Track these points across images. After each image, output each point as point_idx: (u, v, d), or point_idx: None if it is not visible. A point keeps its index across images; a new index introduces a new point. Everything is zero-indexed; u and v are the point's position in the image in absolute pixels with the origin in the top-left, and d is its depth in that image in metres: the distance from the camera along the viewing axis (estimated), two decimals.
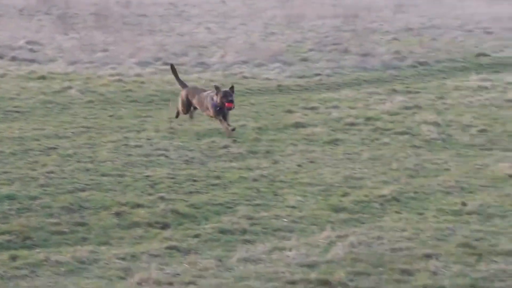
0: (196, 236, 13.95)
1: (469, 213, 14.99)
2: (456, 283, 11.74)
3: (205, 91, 27.48)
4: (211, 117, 25.99)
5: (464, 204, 15.65)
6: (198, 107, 26.08)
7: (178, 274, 11.82)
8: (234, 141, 21.90)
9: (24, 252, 12.53)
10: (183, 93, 27.02)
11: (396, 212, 15.23)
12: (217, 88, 24.92)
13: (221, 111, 24.63)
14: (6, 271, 11.79)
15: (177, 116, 27.20)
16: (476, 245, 13.14)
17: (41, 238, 13.49)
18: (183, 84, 27.25)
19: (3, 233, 13.54)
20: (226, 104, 23.77)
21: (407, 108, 25.64)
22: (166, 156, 19.66)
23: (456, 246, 13.07)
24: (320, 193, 16.37)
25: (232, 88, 25.17)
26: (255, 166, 18.35)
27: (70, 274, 11.93)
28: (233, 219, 14.81)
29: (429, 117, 24.31)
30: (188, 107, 26.28)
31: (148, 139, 21.80)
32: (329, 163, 18.80)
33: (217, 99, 25.13)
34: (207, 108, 25.45)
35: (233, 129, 25.13)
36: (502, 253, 12.72)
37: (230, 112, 26.12)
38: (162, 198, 16.21)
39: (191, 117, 27.03)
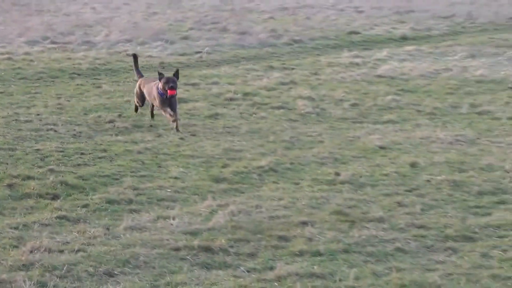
0: (85, 206, 14.02)
1: (342, 183, 15.19)
2: (330, 248, 11.95)
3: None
4: (159, 108, 21.96)
5: (337, 174, 15.89)
6: (148, 98, 22.04)
7: (68, 242, 11.85)
8: (119, 116, 21.71)
9: None
10: (137, 83, 23.55)
11: (274, 182, 15.39)
12: (160, 74, 21.18)
13: (167, 101, 20.90)
14: None
15: (136, 110, 23.75)
16: (349, 212, 13.38)
17: None
18: (139, 74, 23.56)
19: None
20: (169, 91, 20.25)
21: (283, 83, 25.73)
22: (55, 131, 19.52)
23: (330, 213, 13.32)
24: (201, 165, 16.49)
25: (176, 73, 21.27)
26: (140, 140, 18.39)
27: None
28: (120, 189, 14.90)
29: (303, 92, 24.44)
30: (141, 98, 22.57)
31: (38, 115, 21.70)
32: (209, 136, 18.94)
33: (160, 86, 21.35)
34: (155, 99, 21.51)
35: (177, 128, 21.31)
36: (373, 220, 12.98)
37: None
38: (51, 171, 16.18)
39: (152, 115, 22.71)
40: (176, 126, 20.41)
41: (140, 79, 22.26)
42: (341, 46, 34.12)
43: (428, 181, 15.34)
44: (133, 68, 22.22)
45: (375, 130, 19.30)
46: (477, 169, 15.85)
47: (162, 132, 20.28)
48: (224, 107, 22.53)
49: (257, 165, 16.83)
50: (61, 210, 13.79)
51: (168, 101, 20.09)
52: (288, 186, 15.41)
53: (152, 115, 22.53)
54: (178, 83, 20.61)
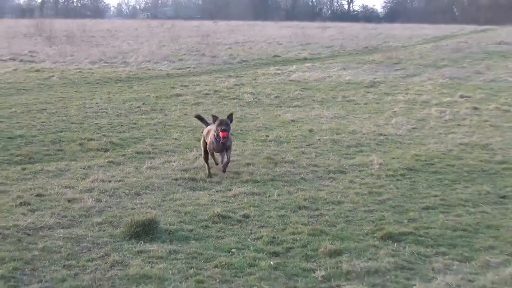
0: (123, 155, 14.26)
1: (270, 141, 15.07)
2: (263, 178, 12.57)
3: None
4: (213, 152, 14.06)
5: (267, 136, 15.85)
6: (208, 146, 13.77)
7: (113, 176, 12.04)
8: (143, 104, 21.17)
9: (29, 166, 12.43)
10: (204, 131, 14.51)
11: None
12: (214, 117, 13.86)
13: (220, 145, 13.43)
14: (19, 176, 11.59)
15: (206, 164, 13.76)
16: (274, 157, 13.56)
17: (38, 158, 13.30)
18: (206, 123, 14.96)
19: (17, 156, 13.29)
20: (220, 133, 13.35)
21: (236, 85, 25.40)
22: (106, 113, 19.13)
23: (263, 158, 13.47)
24: (190, 131, 16.27)
25: (230, 115, 13.95)
26: (155, 117, 17.99)
27: (55, 177, 11.88)
28: (143, 146, 14.80)
29: (248, 90, 24.14)
30: (205, 147, 13.88)
31: (96, 104, 21.09)
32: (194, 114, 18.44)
33: (214, 129, 13.73)
34: (212, 143, 13.58)
35: (224, 169, 13.53)
36: (288, 162, 13.26)
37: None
38: (104, 135, 15.87)
39: (209, 172, 13.49)
40: (224, 169, 13.32)
41: (206, 127, 14.07)
42: (269, 63, 33.93)
43: (319, 139, 15.40)
44: (201, 122, 14.75)
45: (288, 111, 19.22)
46: (346, 132, 15.92)
47: (167, 112, 19.77)
48: (203, 99, 22.11)
49: None
50: (110, 158, 13.71)
51: (222, 145, 13.15)
52: (240, 143, 15.20)
53: (210, 172, 13.28)
54: (231, 125, 13.62)
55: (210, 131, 13.40)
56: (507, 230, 9.67)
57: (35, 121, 17.58)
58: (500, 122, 18.15)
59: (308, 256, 8.51)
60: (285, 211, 10.45)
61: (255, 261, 8.38)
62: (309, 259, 8.40)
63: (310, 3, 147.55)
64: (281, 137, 16.11)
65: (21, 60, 35.89)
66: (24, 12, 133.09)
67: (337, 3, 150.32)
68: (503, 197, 11.26)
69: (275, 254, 8.52)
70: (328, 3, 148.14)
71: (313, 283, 7.64)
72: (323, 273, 7.88)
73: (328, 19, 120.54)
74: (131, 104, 20.95)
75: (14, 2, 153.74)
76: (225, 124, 13.02)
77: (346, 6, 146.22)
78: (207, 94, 23.75)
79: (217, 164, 13.64)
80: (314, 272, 7.89)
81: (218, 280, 7.83)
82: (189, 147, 14.91)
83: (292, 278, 7.84)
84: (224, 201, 10.91)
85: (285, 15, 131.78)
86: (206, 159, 13.41)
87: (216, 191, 11.65)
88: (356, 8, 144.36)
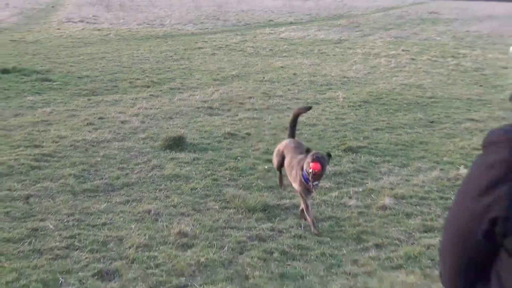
0: (160, 90, 14.27)
1: (265, 81, 15.08)
2: (261, 107, 12.48)
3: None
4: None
5: (263, 77, 15.71)
6: (286, 169, 7.11)
7: (153, 105, 12.19)
8: (175, 54, 21.05)
9: (93, 97, 12.49)
10: (282, 143, 7.54)
11: (238, 81, 15.41)
12: (308, 150, 6.60)
13: (309, 190, 6.54)
14: (85, 105, 11.55)
15: (280, 183, 7.66)
16: (268, 93, 13.90)
17: (99, 92, 13.26)
18: (291, 134, 7.73)
19: (84, 90, 13.30)
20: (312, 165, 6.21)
21: (241, 41, 25.21)
22: (148, 60, 19.03)
23: (260, 93, 13.71)
24: (209, 74, 16.30)
25: (328, 154, 6.71)
26: (183, 63, 17.77)
27: (112, 105, 11.96)
28: (174, 84, 14.85)
29: (250, 45, 24.01)
30: (279, 163, 7.33)
31: (142, 54, 20.89)
32: (210, 62, 18.41)
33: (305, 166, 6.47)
34: (295, 178, 6.68)
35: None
36: (278, 96, 13.26)
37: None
38: (149, 76, 15.70)
39: (280, 185, 7.72)
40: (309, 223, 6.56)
41: (288, 140, 7.56)
42: (265, 26, 33.17)
43: (301, 80, 15.30)
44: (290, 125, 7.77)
45: (279, 60, 19.02)
46: (320, 75, 15.90)
47: (192, 61, 19.47)
48: (217, 51, 21.96)
49: (231, 74, 16.43)
50: (151, 92, 13.43)
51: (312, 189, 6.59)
52: (244, 82, 15.08)
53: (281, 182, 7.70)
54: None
55: (296, 160, 6.77)
56: (433, 145, 9.89)
57: (97, 66, 17.47)
58: (430, 69, 18.20)
59: None
60: (275, 131, 10.47)
61: (254, 165, 8.54)
62: None
63: None
64: (273, 78, 15.99)
65: (87, 22, 35.69)
66: None
67: None
68: (431, 122, 11.44)
69: (268, 160, 8.53)
70: None
71: None
72: None
73: None
74: (166, 54, 20.77)
75: None
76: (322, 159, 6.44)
77: None
78: (220, 47, 23.48)
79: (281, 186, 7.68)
80: None
81: (228, 179, 7.97)
82: (208, 85, 14.82)
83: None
84: (232, 123, 10.94)
85: None
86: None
87: (227, 116, 11.61)
88: None
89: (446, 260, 2.21)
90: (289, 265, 5.57)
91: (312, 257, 5.73)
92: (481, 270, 2.09)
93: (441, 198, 7.34)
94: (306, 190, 6.41)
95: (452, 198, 7.19)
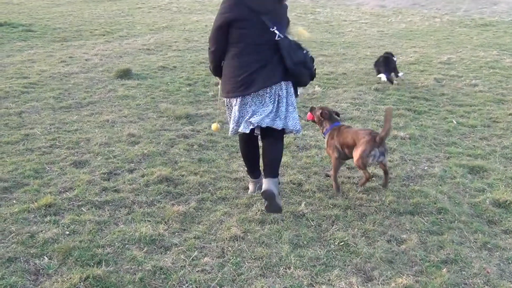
0: (113, 38, 13.07)
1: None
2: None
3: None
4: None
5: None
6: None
7: (108, 48, 11.15)
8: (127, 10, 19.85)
9: (65, 42, 12.08)
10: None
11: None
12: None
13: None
14: (59, 48, 10.89)
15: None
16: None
17: (69, 39, 12.67)
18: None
19: (58, 38, 12.63)
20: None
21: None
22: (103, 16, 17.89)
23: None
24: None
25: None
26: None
27: (78, 48, 11.55)
28: (128, 37, 13.77)
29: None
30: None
31: (98, 12, 19.55)
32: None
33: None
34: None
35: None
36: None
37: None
38: (102, 28, 14.92)
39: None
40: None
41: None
42: None
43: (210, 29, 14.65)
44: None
45: (195, 16, 18.24)
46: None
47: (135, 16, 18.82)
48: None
49: (162, 26, 15.59)
50: (106, 39, 12.93)
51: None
52: (171, 32, 14.41)
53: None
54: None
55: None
56: None
57: (66, 20, 16.49)
58: (296, 22, 17.98)
59: (205, 85, 8.45)
60: (194, 65, 10.26)
61: (180, 88, 8.39)
62: (206, 87, 8.34)
63: None
64: (191, 29, 15.55)
65: None
66: None
67: None
68: None
69: (189, 85, 8.43)
70: None
71: (209, 99, 7.63)
72: (212, 93, 7.87)
73: None
74: (116, 12, 19.84)
75: None
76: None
77: None
78: (154, 7, 22.47)
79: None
80: (208, 93, 7.87)
81: (161, 97, 7.86)
82: (146, 33, 14.28)
83: (197, 96, 7.80)
84: (164, 60, 10.68)
85: None
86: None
87: (160, 55, 11.21)
88: None
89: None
90: (204, 153, 5.59)
91: (219, 148, 5.77)
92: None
93: (304, 106, 7.42)
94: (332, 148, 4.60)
95: (310, 106, 7.35)
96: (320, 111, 4.73)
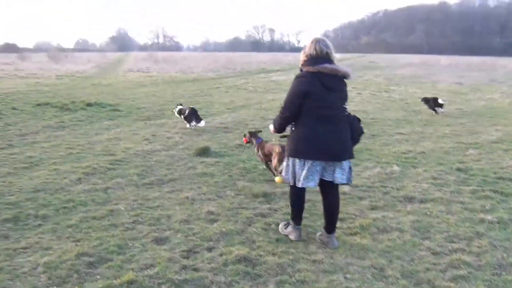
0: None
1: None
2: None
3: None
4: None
5: None
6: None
7: (186, 130, 11.44)
8: (201, 92, 20.85)
9: (148, 121, 12.46)
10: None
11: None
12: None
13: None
14: (142, 127, 11.39)
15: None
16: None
17: (152, 118, 13.23)
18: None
19: (142, 116, 13.21)
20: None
21: (245, 82, 24.63)
22: (183, 96, 18.75)
23: None
24: (223, 105, 15.82)
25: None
26: (208, 98, 17.46)
27: (160, 127, 11.91)
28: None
29: (251, 85, 23.49)
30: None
31: (179, 92, 20.58)
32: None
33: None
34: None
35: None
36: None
37: None
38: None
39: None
40: None
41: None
42: (260, 72, 32.55)
43: None
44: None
45: (270, 95, 18.61)
46: None
47: (213, 96, 19.66)
48: (233, 90, 21.52)
49: (238, 105, 16.18)
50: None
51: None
52: (247, 110, 14.87)
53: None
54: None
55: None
56: (375, 151, 9.80)
57: (150, 100, 17.53)
58: (371, 100, 18.03)
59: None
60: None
61: (256, 166, 8.45)
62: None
63: (280, 42, 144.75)
64: (267, 107, 15.86)
65: (142, 71, 35.73)
66: (143, 48, 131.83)
67: (292, 42, 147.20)
68: (373, 135, 11.37)
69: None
70: (289, 42, 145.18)
71: None
72: None
73: (288, 51, 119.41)
74: (195, 92, 20.84)
75: (137, 42, 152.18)
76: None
77: (296, 44, 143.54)
78: (230, 87, 23.44)
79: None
80: None
81: (239, 175, 7.93)
82: (223, 112, 14.78)
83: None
84: (241, 138, 10.84)
85: (267, 48, 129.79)
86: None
87: (237, 133, 11.55)
88: (301, 45, 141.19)
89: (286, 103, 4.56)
90: (286, 235, 5.52)
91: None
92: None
93: (382, 186, 7.28)
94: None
95: (389, 186, 7.18)
96: (249, 135, 8.04)
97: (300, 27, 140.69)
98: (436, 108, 14.48)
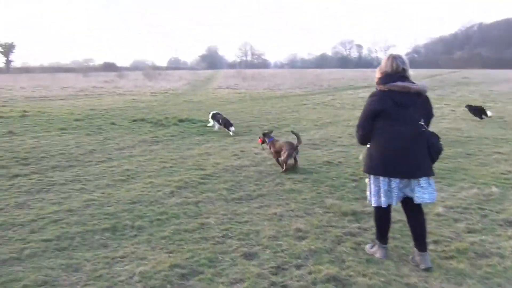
0: (280, 133, 13.58)
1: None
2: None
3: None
4: None
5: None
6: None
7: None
8: (288, 108, 20.96)
9: (237, 137, 12.61)
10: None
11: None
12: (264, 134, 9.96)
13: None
14: (232, 142, 11.64)
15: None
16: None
17: (240, 134, 13.47)
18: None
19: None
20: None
21: (332, 99, 24.41)
22: (270, 112, 18.96)
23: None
24: (311, 122, 15.74)
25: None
26: (294, 115, 17.49)
27: (249, 142, 12.14)
28: (289, 128, 14.32)
29: (337, 101, 23.28)
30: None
31: (266, 108, 20.80)
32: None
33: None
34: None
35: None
36: None
37: None
38: (270, 123, 15.75)
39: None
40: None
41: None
42: (347, 89, 32.22)
43: None
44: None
45: (358, 111, 18.32)
46: None
47: (300, 113, 19.75)
48: (317, 106, 21.44)
49: (326, 121, 16.12)
50: (274, 134, 13.46)
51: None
52: (335, 127, 14.90)
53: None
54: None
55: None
56: (471, 171, 9.32)
57: (238, 116, 17.84)
58: (466, 117, 17.27)
59: None
60: (358, 160, 10.20)
61: (345, 184, 8.38)
62: None
63: (368, 58, 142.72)
64: (355, 124, 15.68)
65: (231, 88, 36.64)
66: (231, 65, 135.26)
67: (380, 58, 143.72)
68: (469, 154, 10.84)
69: (355, 180, 8.37)
70: (377, 58, 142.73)
71: None
72: None
73: (376, 67, 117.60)
74: (282, 109, 21.00)
75: (226, 60, 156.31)
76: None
77: None
78: (318, 104, 23.41)
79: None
80: None
81: (327, 192, 7.87)
82: (311, 129, 14.72)
83: (363, 192, 7.65)
84: (329, 155, 10.84)
85: (354, 64, 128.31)
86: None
87: (325, 150, 11.48)
88: None
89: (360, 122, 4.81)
90: (372, 254, 5.38)
91: (388, 248, 5.49)
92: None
93: (479, 208, 6.89)
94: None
95: (487, 209, 6.77)
96: (262, 136, 9.77)
97: (388, 43, 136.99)
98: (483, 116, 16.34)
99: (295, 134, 9.23)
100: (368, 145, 4.89)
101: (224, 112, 18.97)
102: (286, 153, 8.84)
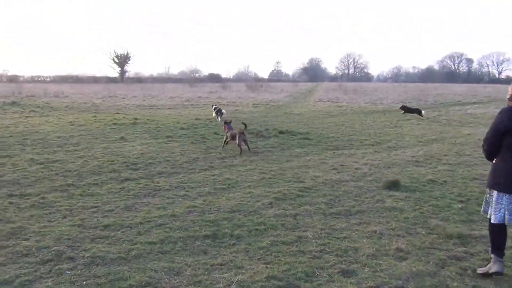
0: (381, 147, 13.42)
1: (457, 143, 13.78)
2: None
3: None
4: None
5: (455, 141, 14.56)
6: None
7: (377, 158, 11.37)
8: (390, 123, 20.43)
9: (336, 151, 12.67)
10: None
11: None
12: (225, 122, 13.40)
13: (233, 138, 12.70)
14: (331, 156, 11.54)
15: None
16: (459, 152, 12.18)
17: (341, 148, 13.32)
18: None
19: (331, 146, 13.36)
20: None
21: (434, 115, 23.47)
22: (372, 127, 18.61)
23: (453, 152, 12.10)
24: (415, 137, 15.24)
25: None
26: (397, 130, 17.06)
27: (349, 157, 11.98)
28: (390, 143, 14.01)
29: (443, 117, 22.38)
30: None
31: (367, 123, 20.46)
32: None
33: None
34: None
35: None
36: (466, 154, 11.73)
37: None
38: (372, 138, 15.47)
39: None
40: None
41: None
42: (455, 104, 30.72)
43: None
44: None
45: (466, 129, 17.47)
46: None
47: (402, 127, 19.18)
48: (421, 121, 20.78)
49: (431, 138, 15.52)
50: (375, 149, 13.32)
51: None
52: (440, 144, 14.35)
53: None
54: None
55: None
56: None
57: (339, 130, 17.68)
58: None
59: (479, 204, 7.78)
60: (466, 180, 9.65)
61: (450, 204, 7.99)
62: (479, 205, 7.68)
63: (478, 73, 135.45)
64: (462, 142, 15.02)
65: (332, 101, 36.42)
66: (333, 78, 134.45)
67: (491, 73, 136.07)
68: None
69: (462, 201, 7.97)
70: (489, 73, 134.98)
71: (485, 219, 6.94)
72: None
73: (487, 82, 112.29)
74: (384, 123, 20.50)
75: (328, 73, 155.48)
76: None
77: (497, 75, 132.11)
78: (422, 119, 22.59)
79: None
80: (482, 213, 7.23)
81: (431, 212, 7.55)
82: (414, 145, 14.26)
83: (470, 214, 7.22)
84: (433, 173, 10.40)
85: (462, 79, 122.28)
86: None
87: (429, 168, 11.00)
88: (503, 76, 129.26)
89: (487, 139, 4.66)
90: (479, 281, 5.03)
91: (498, 278, 5.11)
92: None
93: None
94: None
95: None
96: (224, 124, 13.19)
97: (503, 56, 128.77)
98: None
99: (244, 124, 12.96)
100: (494, 161, 4.86)
101: (324, 126, 18.86)
102: (240, 138, 12.40)
